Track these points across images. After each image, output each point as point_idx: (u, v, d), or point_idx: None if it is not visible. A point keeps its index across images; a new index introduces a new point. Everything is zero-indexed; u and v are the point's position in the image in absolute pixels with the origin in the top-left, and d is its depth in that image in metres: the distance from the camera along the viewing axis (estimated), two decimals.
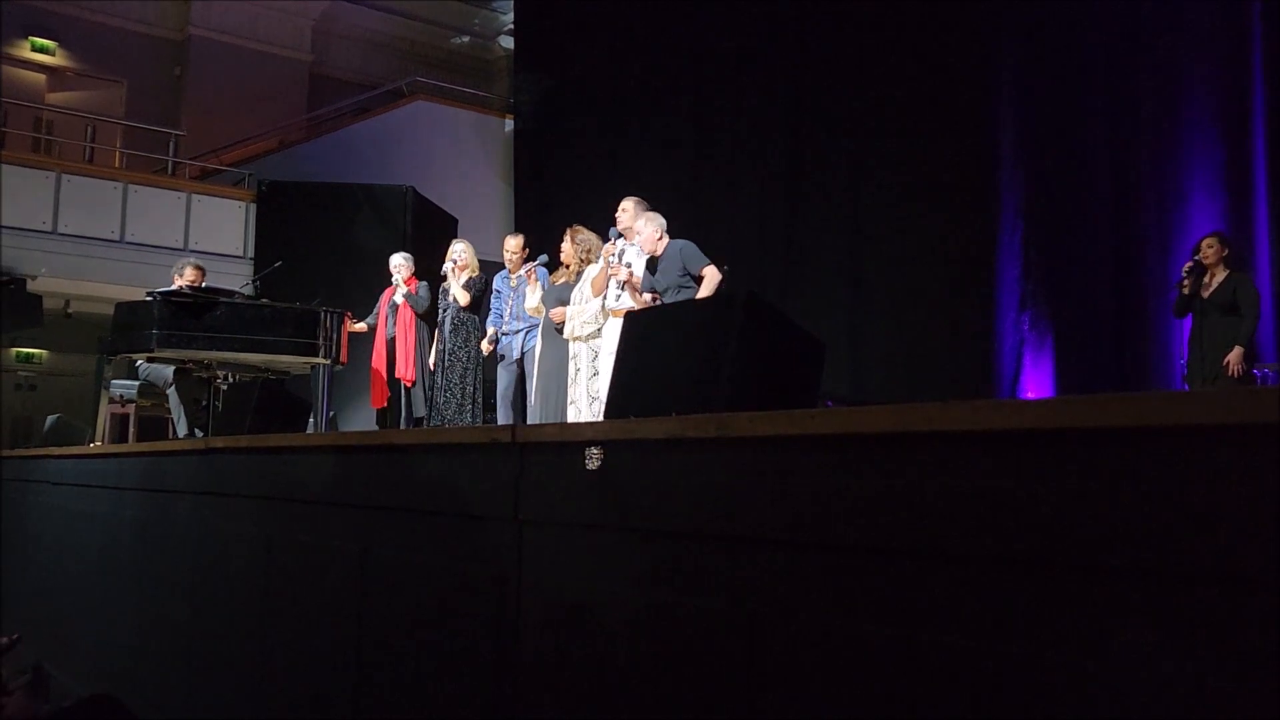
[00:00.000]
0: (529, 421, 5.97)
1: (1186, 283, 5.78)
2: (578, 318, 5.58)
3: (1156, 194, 7.61)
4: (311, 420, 6.02)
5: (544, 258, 6.33)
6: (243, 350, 5.79)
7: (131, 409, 6.92)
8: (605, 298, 5.46)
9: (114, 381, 6.93)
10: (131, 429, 6.98)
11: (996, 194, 8.34)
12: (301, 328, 5.93)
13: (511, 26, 14.53)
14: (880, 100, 9.03)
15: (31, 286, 9.93)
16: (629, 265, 5.29)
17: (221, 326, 5.70)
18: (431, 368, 6.62)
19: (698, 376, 2.00)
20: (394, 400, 6.76)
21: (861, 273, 9.14)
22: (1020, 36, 8.41)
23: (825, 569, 1.41)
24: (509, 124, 13.04)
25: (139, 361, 6.66)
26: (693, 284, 5.19)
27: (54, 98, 13.72)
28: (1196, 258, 5.80)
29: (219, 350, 5.76)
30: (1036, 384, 7.96)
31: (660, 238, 5.32)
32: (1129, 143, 7.85)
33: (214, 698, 3.24)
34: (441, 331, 6.55)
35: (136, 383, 6.87)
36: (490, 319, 6.68)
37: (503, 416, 6.49)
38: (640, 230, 5.34)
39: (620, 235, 5.59)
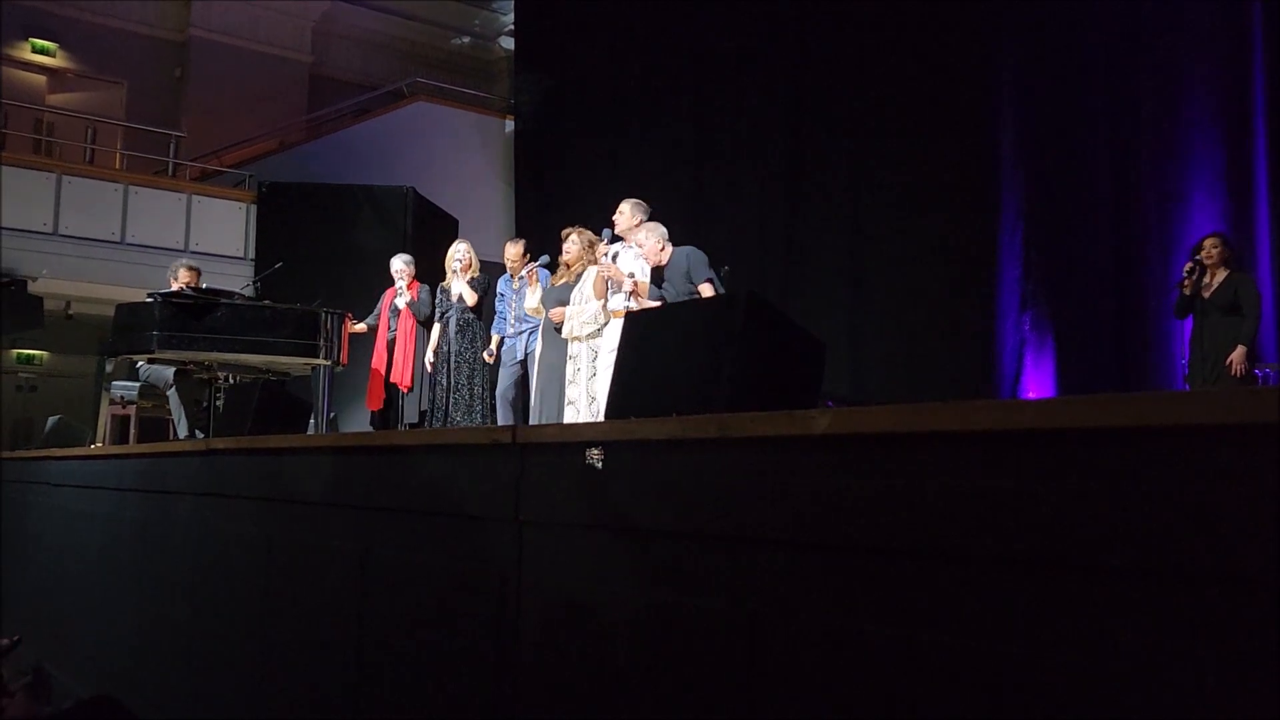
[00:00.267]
0: (529, 422, 5.98)
1: (1187, 283, 5.78)
2: (577, 318, 5.58)
3: (1157, 194, 7.61)
4: (312, 421, 6.02)
5: (545, 258, 6.33)
6: (243, 351, 5.79)
7: (132, 410, 6.92)
8: (607, 300, 5.47)
9: (115, 383, 6.92)
10: (132, 430, 6.98)
11: (997, 194, 8.34)
12: (302, 329, 5.93)
13: (512, 27, 14.54)
14: (880, 100, 9.03)
15: (32, 288, 9.93)
16: (631, 275, 5.29)
17: (222, 328, 5.70)
18: (429, 369, 6.62)
19: (698, 377, 2.00)
20: (389, 403, 6.77)
21: (862, 273, 9.14)
22: (1020, 36, 8.41)
23: (826, 569, 1.41)
24: (509, 125, 13.04)
25: (140, 363, 6.66)
26: (698, 294, 5.17)
27: (54, 99, 13.72)
28: (1197, 258, 5.80)
29: (220, 351, 5.76)
30: (1037, 384, 7.96)
31: (662, 248, 5.31)
32: (1129, 143, 7.85)
33: (215, 698, 3.24)
34: (446, 332, 6.55)
35: (137, 384, 6.87)
36: (495, 323, 6.71)
37: (502, 417, 6.49)
38: (642, 243, 5.33)
39: (617, 237, 5.60)
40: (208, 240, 10.70)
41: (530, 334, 6.36)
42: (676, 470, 1.67)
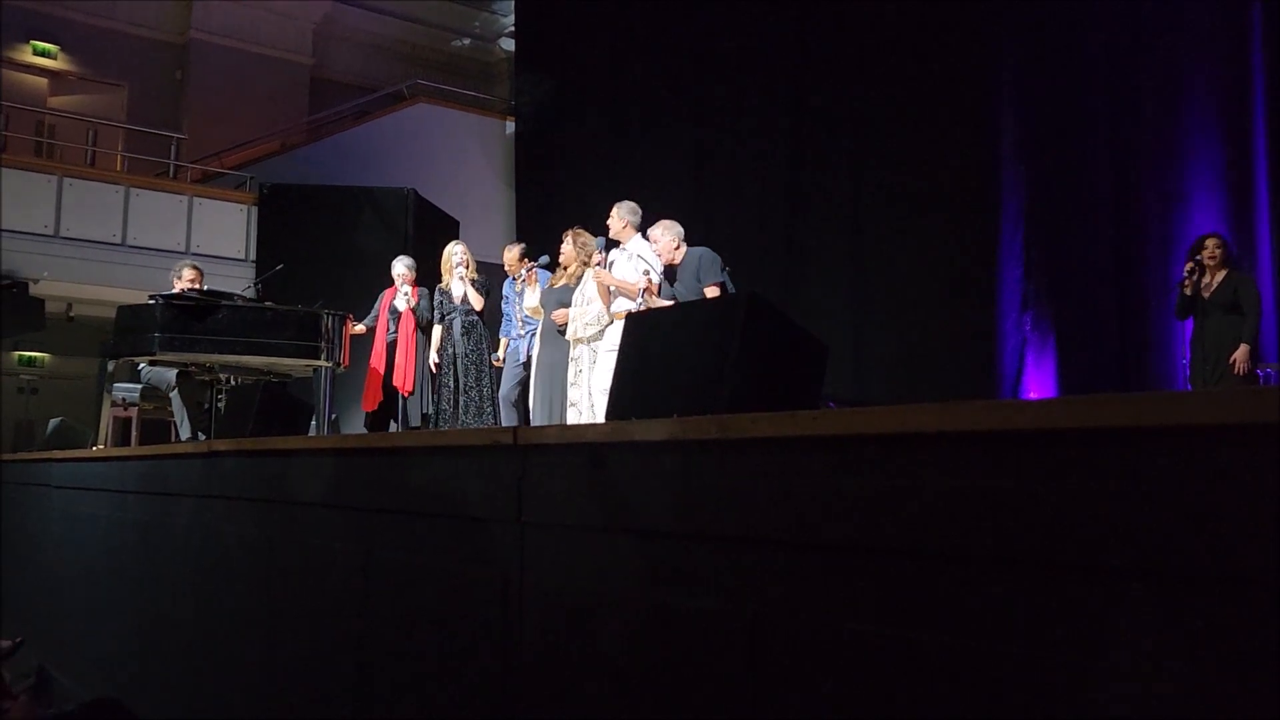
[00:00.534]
0: (531, 422, 5.98)
1: (1188, 283, 5.79)
2: (580, 319, 5.59)
3: (1158, 194, 7.61)
4: (313, 423, 6.02)
5: (544, 259, 6.35)
6: (245, 353, 5.80)
7: (134, 412, 6.92)
8: (610, 302, 5.48)
9: (116, 385, 6.92)
10: (134, 432, 6.99)
11: (998, 194, 8.35)
12: (303, 330, 5.93)
13: (512, 29, 14.55)
14: (881, 100, 9.04)
15: (33, 290, 9.91)
16: (646, 273, 5.30)
17: (223, 329, 5.71)
18: (434, 370, 6.63)
19: (699, 378, 2.01)
20: (385, 405, 6.78)
21: (862, 273, 9.14)
22: (1021, 36, 8.41)
23: (826, 570, 1.41)
24: (510, 126, 13.05)
25: (141, 365, 6.67)
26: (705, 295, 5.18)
27: (55, 101, 13.74)
28: (1198, 258, 5.81)
29: (221, 353, 5.76)
30: (1039, 384, 7.96)
31: (677, 246, 5.34)
32: (1130, 142, 7.85)
33: (217, 700, 3.24)
34: (450, 335, 6.56)
35: (139, 386, 6.87)
36: (502, 325, 6.73)
37: (505, 419, 6.50)
38: (657, 239, 5.35)
39: (614, 244, 5.63)
40: (209, 242, 10.72)
41: (533, 335, 6.37)
42: (677, 471, 1.67)
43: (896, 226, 8.80)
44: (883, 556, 1.33)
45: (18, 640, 5.04)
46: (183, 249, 10.42)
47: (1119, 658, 1.07)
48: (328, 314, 6.09)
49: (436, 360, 6.61)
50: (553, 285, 6.06)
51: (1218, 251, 5.75)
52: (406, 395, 6.65)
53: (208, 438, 5.79)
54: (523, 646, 1.95)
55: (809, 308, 8.84)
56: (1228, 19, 7.36)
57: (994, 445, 1.22)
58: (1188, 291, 5.80)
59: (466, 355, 6.51)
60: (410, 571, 2.34)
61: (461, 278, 6.54)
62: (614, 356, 5.19)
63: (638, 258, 5.48)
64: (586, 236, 5.97)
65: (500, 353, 6.82)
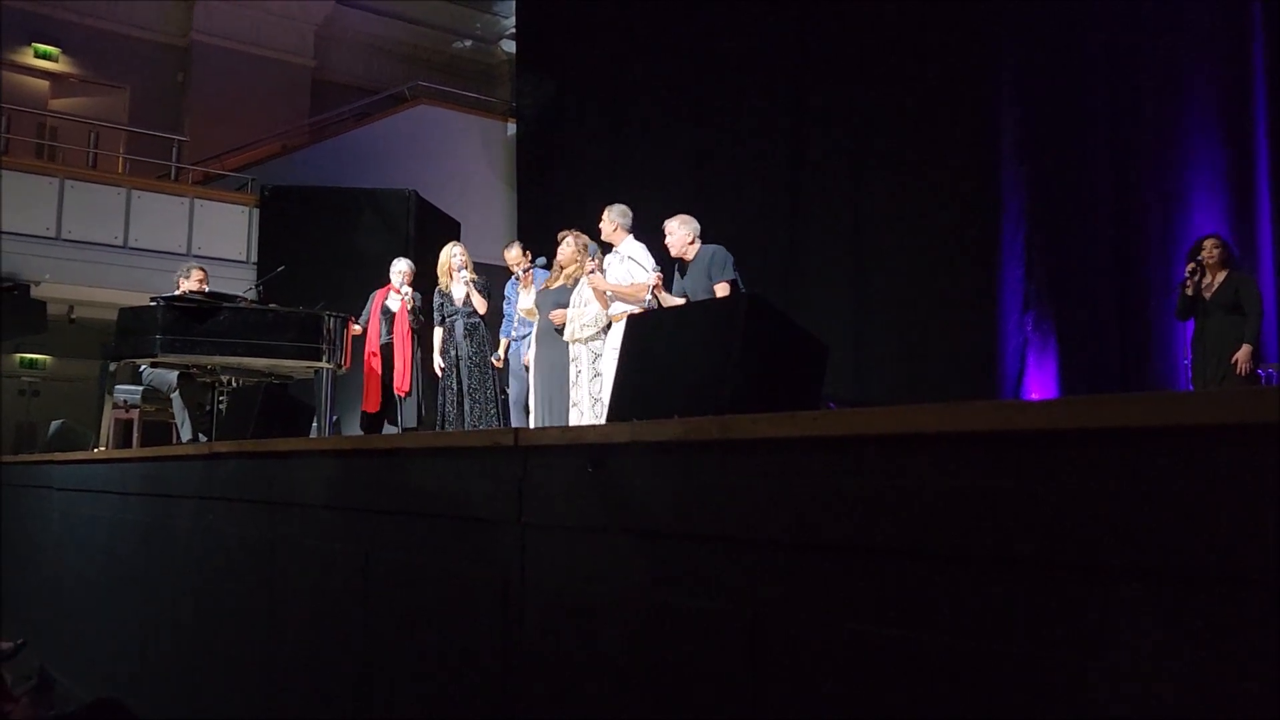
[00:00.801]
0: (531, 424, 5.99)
1: (1189, 284, 5.78)
2: (578, 320, 5.60)
3: (1159, 194, 7.61)
4: (315, 424, 6.02)
5: (542, 260, 6.36)
6: (246, 355, 5.79)
7: (135, 414, 6.92)
8: (608, 305, 5.49)
9: (118, 387, 6.93)
10: (135, 434, 6.99)
11: (999, 194, 8.34)
12: (305, 332, 5.93)
13: (513, 30, 14.55)
14: (882, 101, 9.04)
15: (35, 292, 9.96)
16: (657, 269, 5.31)
17: (225, 331, 5.70)
18: (439, 373, 6.64)
19: (701, 379, 2.01)
20: (384, 407, 6.80)
21: (864, 274, 9.14)
22: (1021, 36, 8.41)
23: (827, 570, 1.41)
24: (511, 128, 13.06)
25: (143, 366, 6.67)
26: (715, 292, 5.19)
27: (57, 104, 13.75)
28: (1199, 258, 5.80)
29: (223, 355, 5.76)
30: (1040, 384, 7.96)
31: (692, 241, 5.35)
32: (1130, 143, 7.85)
33: (218, 702, 3.24)
34: (452, 336, 6.56)
35: (140, 388, 6.87)
36: (503, 325, 6.75)
37: (516, 421, 6.52)
38: (673, 231, 5.37)
39: (609, 249, 5.64)
40: (210, 244, 10.72)
41: (524, 340, 6.41)
42: (679, 472, 1.67)
43: (897, 226, 8.80)
44: (883, 557, 1.33)
45: (19, 642, 5.04)
46: (184, 251, 10.42)
47: (1119, 658, 1.07)
48: (329, 316, 6.09)
49: (442, 364, 6.61)
50: (548, 286, 6.07)
51: (1215, 251, 5.75)
52: (403, 396, 6.67)
53: (209, 439, 5.79)
54: (523, 647, 1.95)
55: (809, 308, 8.84)
56: (1228, 18, 7.35)
57: (994, 446, 1.22)
58: (1189, 292, 5.79)
59: (470, 358, 6.52)
60: (411, 572, 2.34)
61: (466, 281, 6.55)
62: (614, 357, 5.21)
63: (629, 259, 5.49)
64: (582, 238, 5.99)
65: (500, 351, 6.83)
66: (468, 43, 16.59)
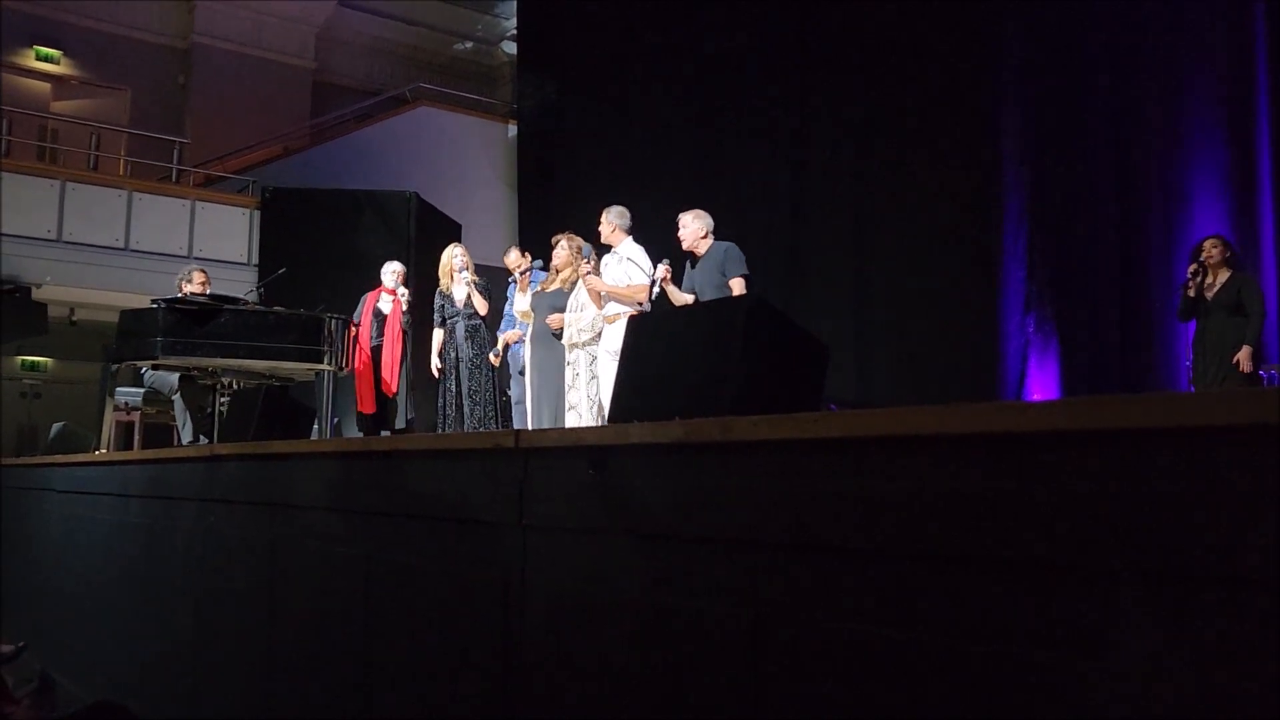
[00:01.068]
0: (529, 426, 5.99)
1: (1191, 285, 5.78)
2: (575, 324, 5.60)
3: (1161, 195, 7.61)
4: (316, 426, 6.03)
5: (539, 262, 6.38)
6: (247, 357, 5.79)
7: (137, 416, 6.93)
8: (604, 308, 5.49)
9: (119, 389, 6.93)
10: (137, 436, 6.99)
11: (1001, 196, 8.35)
12: (306, 334, 5.93)
13: (514, 32, 14.56)
14: (883, 102, 9.05)
15: (36, 294, 9.96)
16: (666, 261, 5.30)
17: (226, 334, 5.70)
18: (436, 375, 6.65)
19: (702, 380, 2.01)
20: (382, 408, 6.82)
21: (865, 275, 9.14)
22: (1023, 37, 8.41)
23: (828, 571, 1.41)
24: (512, 129, 13.07)
25: (144, 369, 6.67)
26: (729, 288, 5.19)
27: (58, 106, 13.77)
28: (1201, 259, 5.80)
29: (224, 357, 5.76)
30: (1042, 385, 7.96)
31: (705, 236, 5.34)
32: (1133, 144, 7.85)
33: (219, 703, 3.24)
34: (453, 338, 6.57)
35: (142, 390, 6.88)
36: (502, 325, 6.77)
37: (518, 423, 6.53)
38: (686, 224, 5.37)
39: (605, 250, 5.65)
40: (211, 246, 10.72)
41: (520, 343, 6.43)
42: (680, 473, 1.67)
43: (898, 227, 8.80)
44: (884, 558, 1.33)
45: (20, 645, 5.04)
46: (185, 253, 10.42)
47: (1119, 658, 1.07)
48: (330, 317, 6.09)
49: (439, 365, 6.62)
50: (544, 289, 6.07)
51: (1214, 251, 5.74)
52: (391, 396, 6.71)
53: (210, 441, 5.79)
54: (524, 648, 1.95)
55: (810, 309, 8.84)
56: (1230, 19, 7.35)
57: (995, 446, 1.22)
58: (1190, 293, 5.78)
59: (471, 359, 6.52)
60: (412, 574, 2.34)
61: (467, 282, 6.56)
62: (609, 359, 5.21)
63: (628, 260, 5.50)
64: (578, 241, 6.00)
65: (498, 348, 6.82)
66: (468, 44, 16.60)
